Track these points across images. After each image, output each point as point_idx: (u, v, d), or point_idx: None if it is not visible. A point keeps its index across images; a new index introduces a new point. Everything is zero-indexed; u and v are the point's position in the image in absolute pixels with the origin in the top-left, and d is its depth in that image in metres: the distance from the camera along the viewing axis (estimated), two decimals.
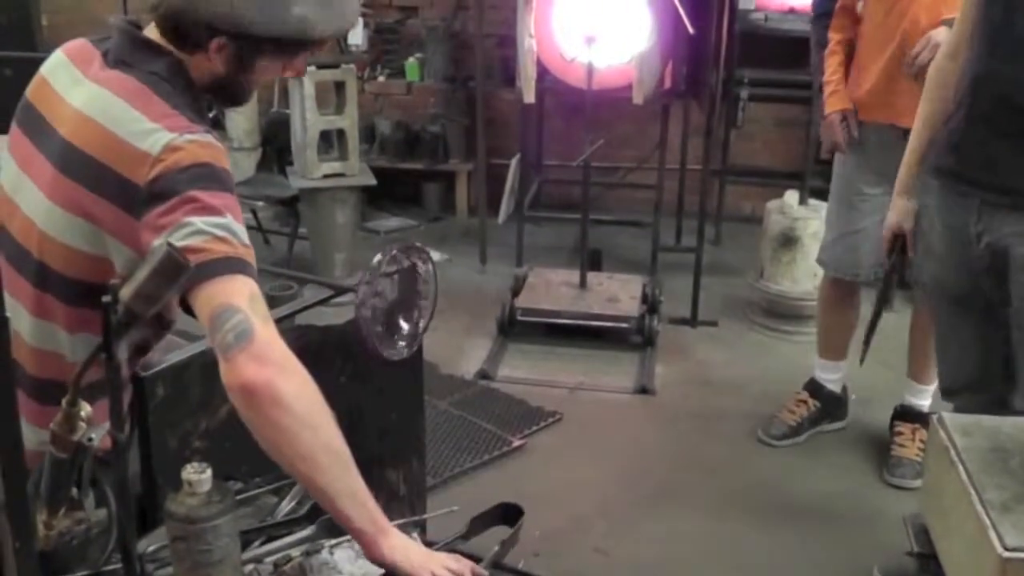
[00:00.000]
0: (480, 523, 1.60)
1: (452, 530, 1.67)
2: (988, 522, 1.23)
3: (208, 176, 1.54)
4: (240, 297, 1.47)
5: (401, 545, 1.52)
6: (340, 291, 2.13)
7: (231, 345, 1.43)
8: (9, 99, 1.82)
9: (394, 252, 1.77)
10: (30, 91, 1.76)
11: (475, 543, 1.67)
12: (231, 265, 1.49)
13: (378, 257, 1.75)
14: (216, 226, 1.50)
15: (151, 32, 1.68)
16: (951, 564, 1.37)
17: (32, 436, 1.65)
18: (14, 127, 1.76)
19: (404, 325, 1.82)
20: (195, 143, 1.56)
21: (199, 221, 1.50)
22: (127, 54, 1.66)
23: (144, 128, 1.56)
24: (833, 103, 3.30)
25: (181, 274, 1.20)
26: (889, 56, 3.11)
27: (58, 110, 1.68)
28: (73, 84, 1.68)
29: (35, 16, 4.56)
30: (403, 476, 2.19)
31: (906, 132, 3.13)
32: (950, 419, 1.43)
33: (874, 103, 3.21)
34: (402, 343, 1.82)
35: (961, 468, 1.33)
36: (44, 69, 1.76)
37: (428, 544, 1.58)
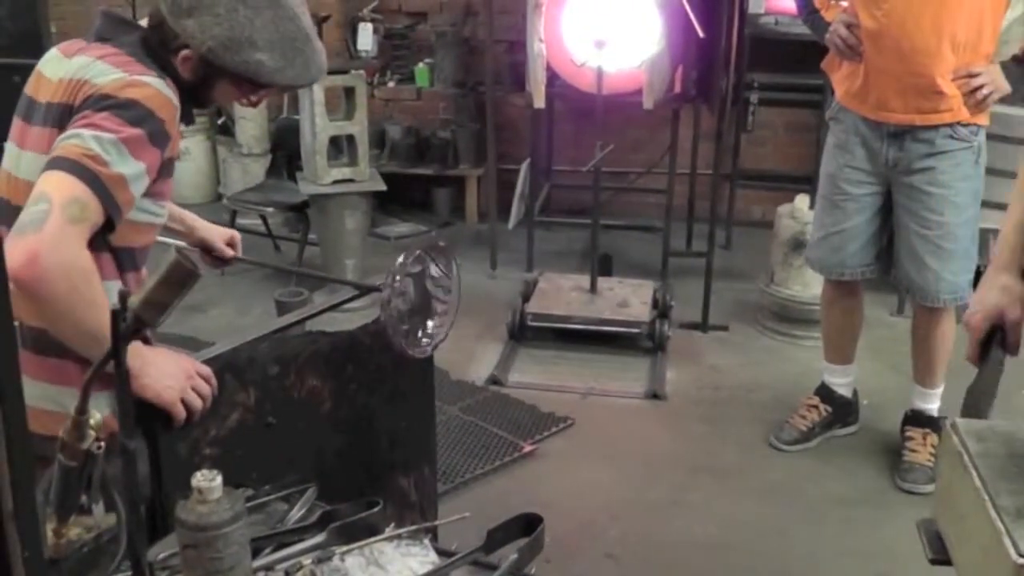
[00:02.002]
0: (500, 535, 1.58)
1: (463, 535, 1.66)
2: (1002, 528, 1.21)
3: (120, 106, 1.65)
4: (61, 193, 1.55)
5: (151, 384, 1.62)
6: (366, 291, 2.11)
7: (23, 227, 1.52)
8: None
9: (419, 252, 1.78)
10: (28, 85, 1.87)
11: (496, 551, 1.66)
12: (76, 168, 1.58)
13: (403, 256, 1.75)
14: (96, 139, 1.60)
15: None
16: (965, 571, 1.35)
17: (29, 390, 1.66)
18: (15, 119, 1.86)
19: (428, 323, 1.82)
20: (134, 82, 1.67)
21: (85, 132, 1.61)
22: (107, 30, 1.81)
23: (112, 75, 1.69)
24: (832, 14, 3.25)
25: (190, 282, 1.20)
26: (875, 53, 3.09)
27: (43, 88, 1.79)
28: (57, 66, 1.79)
29: (44, 24, 4.57)
30: (414, 482, 2.18)
31: (892, 130, 3.15)
32: (963, 424, 1.41)
33: (862, 99, 3.20)
34: (426, 340, 1.83)
35: (975, 473, 1.32)
36: (39, 63, 1.87)
37: (448, 555, 1.56)
